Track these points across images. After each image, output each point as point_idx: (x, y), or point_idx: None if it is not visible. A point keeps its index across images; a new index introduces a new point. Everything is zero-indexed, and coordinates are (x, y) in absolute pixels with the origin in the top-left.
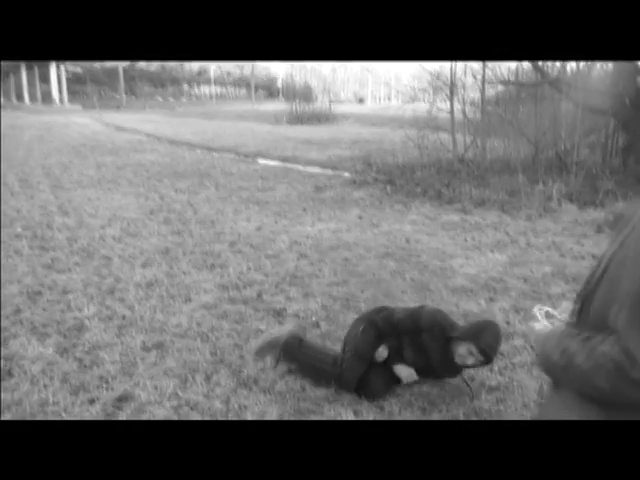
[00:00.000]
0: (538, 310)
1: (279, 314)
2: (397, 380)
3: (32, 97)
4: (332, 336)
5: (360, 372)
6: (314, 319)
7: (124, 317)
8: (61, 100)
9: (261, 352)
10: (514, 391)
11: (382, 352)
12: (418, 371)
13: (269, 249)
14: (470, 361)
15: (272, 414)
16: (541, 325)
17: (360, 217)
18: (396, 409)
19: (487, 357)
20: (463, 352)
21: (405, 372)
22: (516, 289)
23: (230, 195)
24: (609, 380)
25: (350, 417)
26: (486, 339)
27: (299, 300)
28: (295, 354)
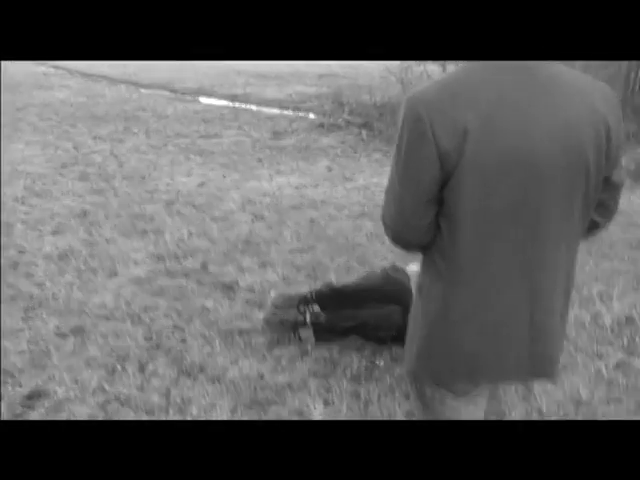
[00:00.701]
0: None
1: (229, 288)
2: None
3: None
4: None
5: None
6: (272, 293)
7: (32, 297)
8: None
9: (280, 308)
10: None
11: None
12: None
13: (216, 210)
14: None
15: (223, 407)
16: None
17: (329, 169)
18: (374, 396)
19: None
20: None
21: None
22: None
23: (165, 144)
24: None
25: (319, 407)
26: None
27: (254, 271)
28: (335, 300)
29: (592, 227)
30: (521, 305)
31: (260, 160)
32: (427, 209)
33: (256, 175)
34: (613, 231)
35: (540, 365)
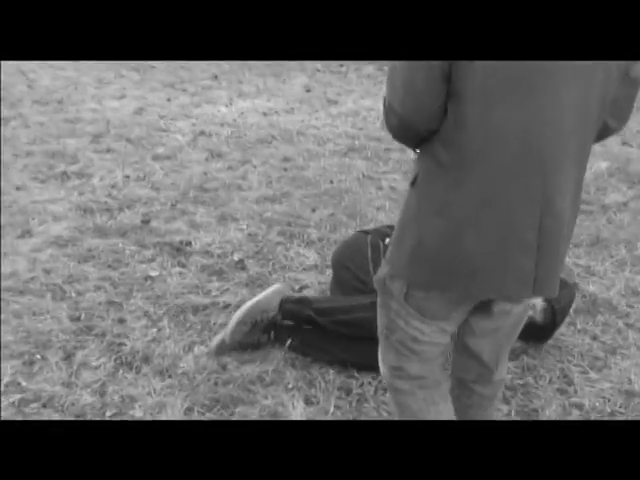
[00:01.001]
0: None
1: (179, 251)
2: None
3: None
4: (268, 283)
5: None
6: (236, 257)
7: None
8: None
9: (234, 334)
10: None
11: None
12: None
13: (159, 145)
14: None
15: (175, 408)
16: None
17: (307, 89)
18: (370, 390)
19: (552, 322)
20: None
21: None
22: None
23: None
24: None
25: (299, 407)
26: (564, 295)
27: (211, 227)
28: (308, 312)
29: (604, 130)
30: (530, 206)
31: (216, 77)
32: (440, 86)
33: (211, 98)
34: None
35: (545, 280)
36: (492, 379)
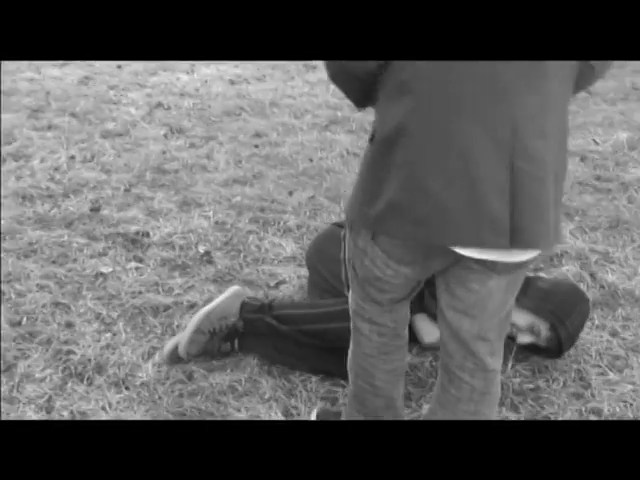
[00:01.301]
0: None
1: (135, 243)
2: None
3: None
4: (239, 278)
5: None
6: (201, 249)
7: None
8: None
9: (191, 345)
10: None
11: None
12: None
13: (108, 120)
14: (525, 340)
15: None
16: None
17: None
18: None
19: (559, 349)
20: (522, 325)
21: (429, 329)
22: None
23: None
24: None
25: (278, 420)
26: (573, 322)
27: (171, 215)
28: (269, 321)
29: (582, 75)
30: (499, 146)
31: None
32: None
33: (168, 64)
34: None
35: (524, 231)
36: (480, 367)
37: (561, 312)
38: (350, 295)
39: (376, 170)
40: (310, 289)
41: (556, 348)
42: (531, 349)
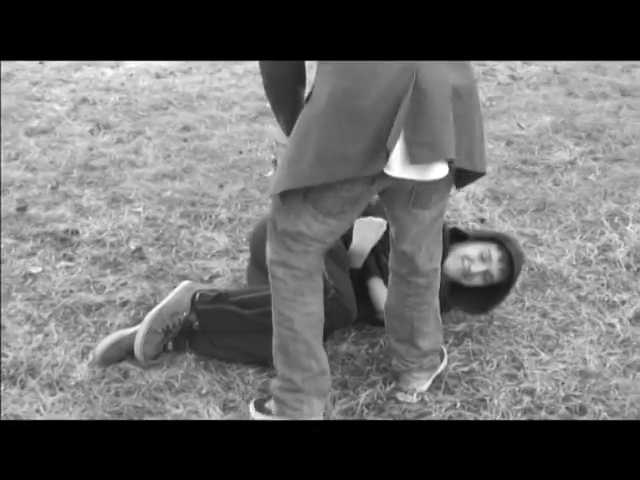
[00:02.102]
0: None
1: (64, 242)
2: None
3: None
4: (172, 273)
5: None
6: (133, 245)
7: None
8: None
9: (147, 346)
10: None
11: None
12: None
13: (32, 117)
14: (479, 268)
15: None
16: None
17: None
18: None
19: (510, 275)
20: (472, 254)
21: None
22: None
23: None
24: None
25: (216, 414)
26: (515, 245)
27: (101, 212)
28: (230, 308)
29: None
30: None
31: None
32: None
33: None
34: (626, 123)
35: (428, 147)
36: (423, 270)
37: (501, 236)
38: (267, 248)
39: (302, 125)
40: (253, 272)
41: (507, 276)
42: (484, 292)
